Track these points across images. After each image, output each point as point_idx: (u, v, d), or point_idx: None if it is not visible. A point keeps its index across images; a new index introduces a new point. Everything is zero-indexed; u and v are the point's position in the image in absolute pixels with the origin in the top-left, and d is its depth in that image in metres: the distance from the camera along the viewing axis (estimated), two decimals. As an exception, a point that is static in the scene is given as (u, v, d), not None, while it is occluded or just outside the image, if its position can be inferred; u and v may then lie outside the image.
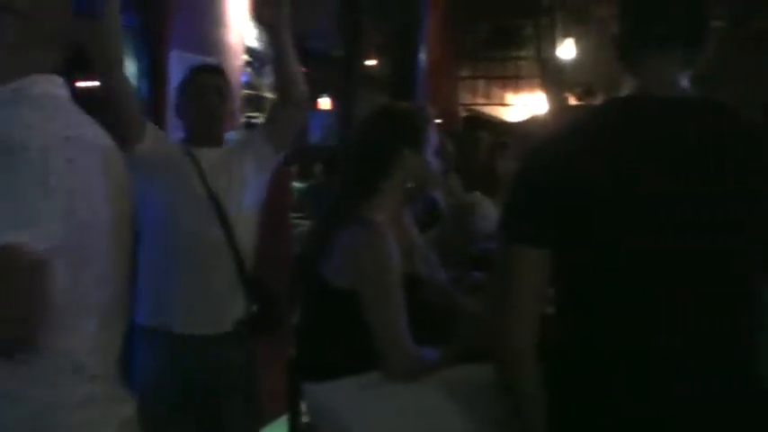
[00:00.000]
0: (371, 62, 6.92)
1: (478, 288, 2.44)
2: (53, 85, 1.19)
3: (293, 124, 2.52)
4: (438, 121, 2.29)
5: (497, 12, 8.59)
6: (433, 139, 2.05)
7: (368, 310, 1.82)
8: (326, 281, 1.88)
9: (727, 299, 1.40)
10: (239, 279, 2.36)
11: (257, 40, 4.00)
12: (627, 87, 1.45)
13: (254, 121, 3.81)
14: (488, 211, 4.21)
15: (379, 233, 1.85)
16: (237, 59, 3.72)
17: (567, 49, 8.33)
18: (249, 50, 3.90)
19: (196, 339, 2.32)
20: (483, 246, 3.24)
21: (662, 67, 1.42)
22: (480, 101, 9.73)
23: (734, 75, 6.37)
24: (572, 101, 8.70)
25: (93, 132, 1.20)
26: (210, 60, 3.16)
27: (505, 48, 9.14)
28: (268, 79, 3.75)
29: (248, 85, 3.94)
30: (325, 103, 7.83)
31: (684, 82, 1.44)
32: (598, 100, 8.57)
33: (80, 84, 2.69)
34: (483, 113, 9.42)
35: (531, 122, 8.51)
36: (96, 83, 2.25)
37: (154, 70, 3.25)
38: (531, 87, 9.29)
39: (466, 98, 9.34)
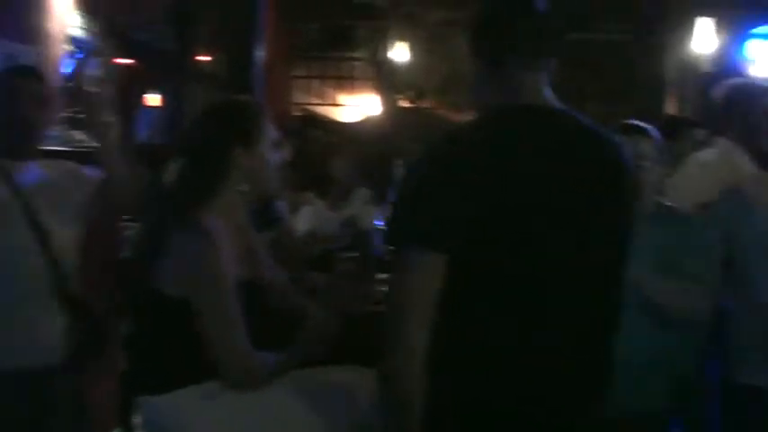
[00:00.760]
0: (205, 58, 6.72)
1: (317, 289, 2.41)
2: None
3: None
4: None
5: (331, 11, 8.60)
6: (271, 133, 1.99)
7: (202, 320, 1.74)
8: (158, 288, 1.78)
9: (598, 296, 1.51)
10: (57, 300, 2.17)
11: (81, 28, 3.77)
12: (495, 96, 1.52)
13: (77, 117, 3.58)
14: (321, 212, 4.20)
15: (212, 239, 1.77)
16: (59, 49, 3.49)
17: (400, 53, 8.48)
18: (72, 40, 3.67)
19: (8, 375, 2.10)
20: (322, 247, 3.22)
21: (534, 79, 1.52)
22: (314, 100, 9.70)
23: (636, 87, 6.78)
24: (404, 103, 8.86)
25: None
26: (27, 53, 2.93)
27: (339, 48, 9.17)
28: (92, 71, 3.53)
29: (70, 77, 3.70)
30: (154, 99, 7.51)
31: (550, 92, 1.54)
32: (428, 103, 8.79)
33: None
34: (316, 113, 9.41)
35: (365, 123, 8.60)
36: None
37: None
38: (364, 89, 9.37)
39: (299, 97, 9.29)
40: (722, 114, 3.08)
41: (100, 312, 2.25)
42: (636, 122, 2.51)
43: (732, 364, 2.58)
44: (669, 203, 2.54)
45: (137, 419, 2.12)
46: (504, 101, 1.52)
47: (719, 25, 6.40)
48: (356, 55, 9.21)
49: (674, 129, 3.29)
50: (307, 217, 4.07)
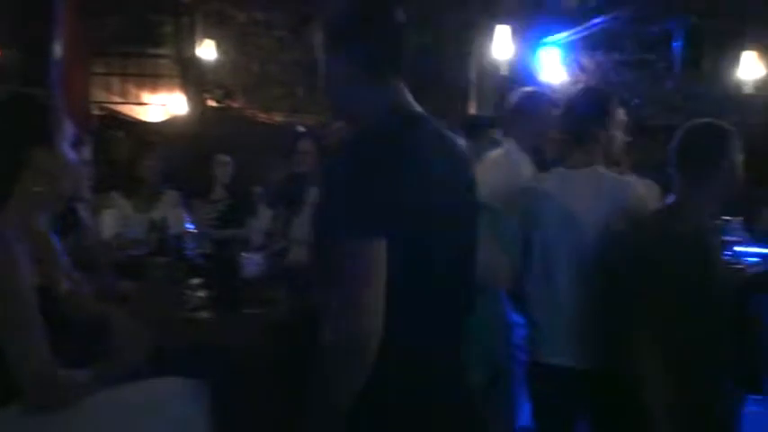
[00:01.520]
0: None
1: (127, 298, 2.29)
2: None
3: None
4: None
5: (135, 6, 8.24)
6: (69, 131, 1.84)
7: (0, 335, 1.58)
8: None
9: (470, 280, 1.72)
10: None
11: None
12: (372, 103, 1.64)
13: None
14: (126, 215, 4.01)
15: (7, 245, 1.62)
16: None
17: (207, 51, 8.26)
18: None
19: None
20: (129, 252, 3.07)
21: (402, 86, 1.68)
22: (116, 99, 9.25)
23: (442, 90, 6.91)
24: (211, 103, 8.67)
25: None
26: None
27: (143, 44, 8.80)
28: None
29: None
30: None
31: None
32: (237, 103, 8.64)
33: None
34: (118, 112, 8.98)
35: (170, 123, 8.32)
36: None
37: None
38: (169, 87, 9.06)
39: (100, 95, 8.82)
40: (511, 118, 3.38)
41: None
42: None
43: (533, 344, 2.77)
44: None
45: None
46: (384, 107, 1.63)
47: (516, 33, 6.77)
48: (161, 52, 8.88)
49: (473, 129, 3.45)
50: (111, 220, 3.87)
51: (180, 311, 2.72)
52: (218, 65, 8.43)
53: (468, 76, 7.41)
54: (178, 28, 8.52)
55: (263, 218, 4.95)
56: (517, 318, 2.98)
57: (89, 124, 6.49)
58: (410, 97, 1.69)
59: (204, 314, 2.69)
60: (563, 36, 7.58)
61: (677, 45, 7.72)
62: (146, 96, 9.57)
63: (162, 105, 9.04)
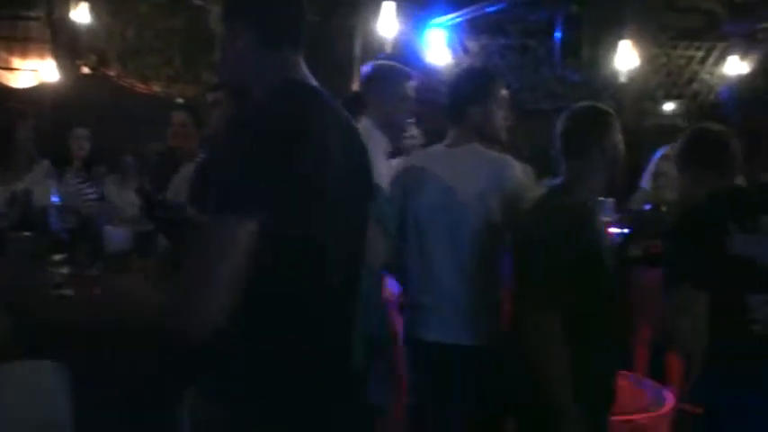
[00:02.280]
0: None
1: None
2: None
3: None
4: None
5: (2, -36, 7.76)
6: None
7: None
8: None
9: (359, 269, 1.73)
10: None
11: None
12: (269, 74, 1.62)
13: None
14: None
15: None
16: None
17: (81, 14, 7.83)
18: None
19: None
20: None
21: (299, 59, 1.66)
22: (-19, 63, 8.72)
23: (327, 66, 6.78)
24: (85, 69, 8.28)
25: None
26: None
27: (11, 6, 8.30)
28: None
29: None
30: None
31: None
32: (112, 70, 8.28)
33: None
34: (-16, 77, 8.47)
35: (41, 90, 7.91)
36: None
37: None
38: (40, 52, 8.59)
39: (-35, 60, 8.29)
40: (363, 92, 3.07)
41: None
42: None
43: (412, 321, 2.78)
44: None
45: None
46: (278, 80, 1.60)
47: (404, 12, 6.76)
48: (32, 14, 8.40)
49: (353, 106, 3.38)
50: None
51: (42, 288, 2.58)
52: (92, 30, 8.02)
53: (352, 53, 7.37)
54: (48, -12, 8.09)
55: (131, 191, 4.80)
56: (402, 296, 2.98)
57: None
58: (306, 71, 1.66)
59: (67, 291, 2.55)
60: (449, 18, 7.64)
61: (558, 33, 7.91)
62: (16, 61, 9.07)
63: (33, 71, 8.57)
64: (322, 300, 1.58)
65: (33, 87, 8.20)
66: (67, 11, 7.90)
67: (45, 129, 4.82)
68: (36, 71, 8.50)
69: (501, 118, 2.86)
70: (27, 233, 3.08)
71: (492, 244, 2.69)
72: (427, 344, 2.71)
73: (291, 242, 1.48)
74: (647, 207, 4.15)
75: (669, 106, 8.45)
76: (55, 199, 3.53)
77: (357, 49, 7.12)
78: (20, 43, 8.85)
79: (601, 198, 4.04)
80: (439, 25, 7.62)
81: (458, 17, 7.64)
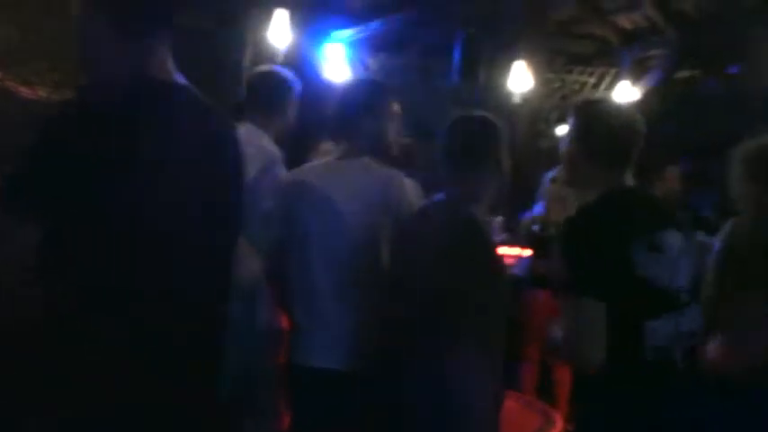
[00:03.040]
0: None
1: None
2: None
3: None
4: None
5: None
6: None
7: None
8: None
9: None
10: None
11: None
12: (126, 66, 1.45)
13: None
14: None
15: None
16: None
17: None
18: None
19: None
20: None
21: (161, 49, 1.49)
22: None
23: (217, 74, 6.50)
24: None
25: None
26: None
27: None
28: None
29: None
30: None
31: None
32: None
33: None
34: None
35: None
36: None
37: None
38: None
39: None
40: (246, 100, 3.14)
41: None
42: None
43: (294, 345, 2.61)
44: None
45: None
46: (138, 72, 1.45)
47: (299, 25, 6.63)
48: None
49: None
50: None
51: None
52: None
53: (240, 61, 7.20)
54: None
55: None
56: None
57: None
58: (170, 64, 1.50)
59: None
60: (348, 34, 7.57)
61: (456, 53, 7.97)
62: None
63: None
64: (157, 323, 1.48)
65: None
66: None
67: None
68: None
69: (393, 131, 2.77)
70: None
71: (373, 261, 2.56)
72: (307, 369, 2.54)
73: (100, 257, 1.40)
74: (535, 228, 4.15)
75: (563, 129, 8.63)
76: None
77: (244, 58, 6.93)
78: None
79: (489, 217, 4.04)
80: (338, 41, 7.53)
81: (357, 33, 7.58)
